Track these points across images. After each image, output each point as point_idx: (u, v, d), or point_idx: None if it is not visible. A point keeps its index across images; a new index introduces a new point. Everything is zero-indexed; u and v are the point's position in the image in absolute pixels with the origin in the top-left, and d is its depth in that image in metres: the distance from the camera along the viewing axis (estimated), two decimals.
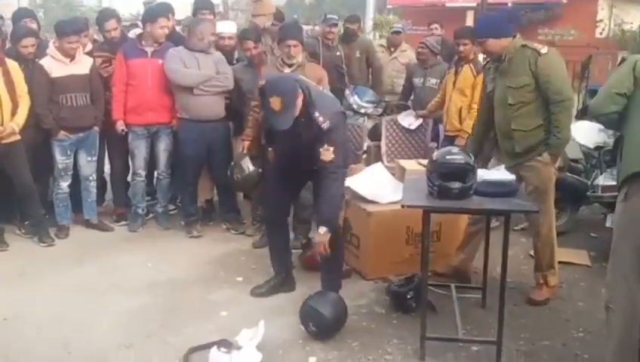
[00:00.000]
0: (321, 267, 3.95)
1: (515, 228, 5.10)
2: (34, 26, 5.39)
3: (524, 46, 3.81)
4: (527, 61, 3.76)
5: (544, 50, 3.78)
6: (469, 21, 17.40)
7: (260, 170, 4.86)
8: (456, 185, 3.22)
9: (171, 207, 5.78)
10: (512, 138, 3.89)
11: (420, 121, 5.90)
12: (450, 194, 3.23)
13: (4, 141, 4.66)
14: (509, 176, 3.49)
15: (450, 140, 5.32)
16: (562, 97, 3.73)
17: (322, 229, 3.53)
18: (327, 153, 3.47)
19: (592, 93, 5.15)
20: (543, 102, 3.78)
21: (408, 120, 5.92)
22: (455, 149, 3.40)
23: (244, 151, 4.91)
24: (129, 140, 5.24)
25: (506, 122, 3.92)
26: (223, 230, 5.41)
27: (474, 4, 16.31)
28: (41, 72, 4.83)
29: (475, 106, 5.19)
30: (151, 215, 5.63)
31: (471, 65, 5.34)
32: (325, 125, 3.46)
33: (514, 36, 3.87)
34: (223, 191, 5.48)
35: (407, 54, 7.11)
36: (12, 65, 4.72)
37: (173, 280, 4.36)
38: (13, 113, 4.69)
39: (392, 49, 7.20)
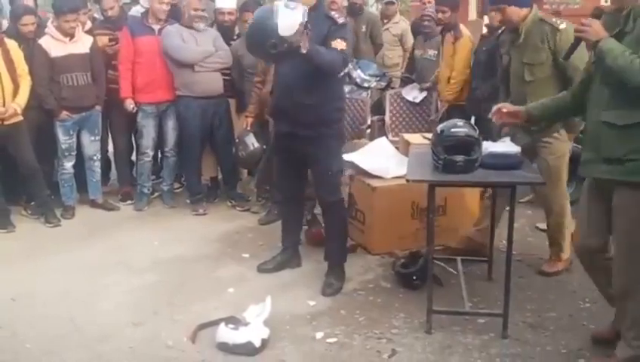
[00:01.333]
0: (326, 240, 3.97)
1: (521, 200, 5.08)
2: (30, 3, 5.35)
3: (541, 20, 3.73)
4: (545, 36, 3.68)
5: (562, 25, 3.69)
6: None
7: (264, 146, 4.86)
8: (461, 158, 3.19)
9: (176, 185, 5.78)
10: None
11: (425, 93, 5.86)
12: (455, 167, 3.19)
13: (6, 122, 4.66)
14: (514, 148, 3.46)
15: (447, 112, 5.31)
16: (580, 73, 3.59)
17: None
18: (339, 44, 3.48)
19: None
20: (560, 77, 3.71)
21: (413, 93, 5.88)
22: (460, 122, 3.35)
23: (248, 128, 4.90)
24: (138, 119, 5.22)
25: (522, 97, 3.81)
26: (229, 207, 5.42)
27: None
28: (40, 52, 4.80)
29: (453, 74, 5.23)
30: (156, 193, 5.65)
31: (451, 32, 5.31)
32: (341, 19, 3.56)
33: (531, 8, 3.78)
34: (227, 169, 5.47)
35: (400, 26, 7.03)
36: (11, 44, 4.69)
37: (180, 257, 4.37)
38: (15, 93, 4.68)
39: (385, 20, 7.11)
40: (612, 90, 2.69)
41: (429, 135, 4.48)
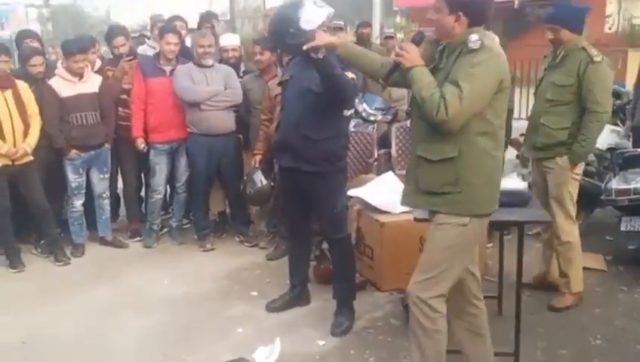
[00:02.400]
0: (334, 278, 3.96)
1: (529, 233, 5.07)
2: (36, 45, 5.46)
3: (582, 48, 3.80)
4: (579, 64, 3.76)
5: (598, 58, 3.76)
6: None
7: (272, 184, 4.88)
8: None
9: (185, 221, 5.80)
10: (538, 131, 3.94)
11: None
12: None
13: (17, 162, 4.71)
14: (521, 185, 3.47)
15: None
16: (600, 109, 3.74)
17: None
18: (349, 75, 3.49)
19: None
20: (578, 106, 3.79)
21: None
22: None
23: (257, 165, 4.94)
24: (150, 157, 5.27)
25: (537, 115, 3.97)
26: (237, 243, 5.43)
27: None
28: (50, 92, 4.87)
29: None
30: (165, 229, 5.67)
31: None
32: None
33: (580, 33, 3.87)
34: (234, 204, 5.50)
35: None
36: (22, 86, 4.77)
37: (189, 296, 4.38)
38: (25, 134, 4.74)
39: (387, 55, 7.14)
40: (426, 124, 2.67)
41: None
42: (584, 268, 4.52)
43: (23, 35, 5.78)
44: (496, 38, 2.85)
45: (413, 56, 2.69)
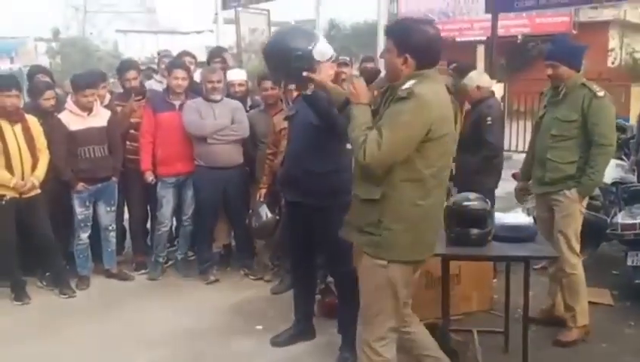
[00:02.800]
0: (340, 311, 3.95)
1: (535, 266, 5.04)
2: (47, 80, 5.56)
3: (582, 84, 3.88)
4: (582, 99, 3.83)
5: (601, 93, 3.84)
6: (480, 55, 17.57)
7: (278, 218, 4.89)
8: (475, 231, 3.22)
9: (190, 253, 5.81)
10: (545, 167, 3.98)
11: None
12: (468, 240, 3.23)
13: (25, 195, 4.75)
14: (527, 220, 3.49)
15: None
16: (606, 142, 3.80)
17: None
18: None
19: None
20: (584, 140, 3.85)
21: None
22: (472, 195, 3.40)
23: (262, 199, 4.96)
24: (157, 189, 5.32)
25: (543, 150, 4.01)
26: (241, 276, 5.42)
27: (484, 38, 16.48)
28: (59, 126, 4.94)
29: None
30: (170, 262, 5.67)
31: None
32: None
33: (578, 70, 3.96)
34: (240, 237, 5.51)
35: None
36: (32, 120, 4.83)
37: (194, 330, 4.36)
38: (34, 168, 4.79)
39: None
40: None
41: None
42: (590, 303, 4.51)
43: (35, 71, 5.90)
44: (441, 82, 2.86)
45: (359, 93, 2.78)
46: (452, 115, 2.82)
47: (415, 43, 2.66)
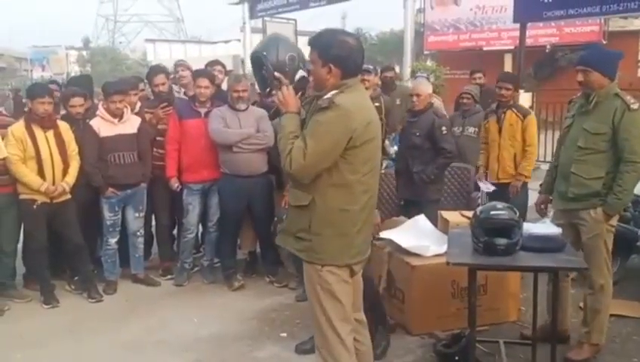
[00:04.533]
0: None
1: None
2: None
3: (616, 94, 3.66)
4: (614, 111, 3.60)
5: (635, 105, 3.60)
6: (507, 64, 17.43)
7: None
8: (502, 241, 3.19)
9: (216, 259, 5.83)
10: (569, 181, 3.77)
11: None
12: (496, 250, 3.20)
13: (55, 200, 4.83)
14: (555, 230, 3.44)
15: (501, 188, 5.31)
16: (637, 159, 3.56)
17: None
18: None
19: None
20: (613, 155, 3.63)
21: (486, 184, 5.73)
22: (500, 204, 3.37)
23: (286, 206, 4.96)
24: (183, 196, 5.37)
25: (568, 163, 3.79)
26: (266, 283, 5.43)
27: (511, 47, 16.36)
28: (90, 132, 5.03)
29: (530, 149, 5.28)
30: (196, 268, 5.71)
31: (514, 109, 5.34)
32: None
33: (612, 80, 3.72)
34: (265, 244, 5.53)
35: (434, 102, 7.06)
36: (63, 126, 4.93)
37: (219, 335, 4.38)
38: (65, 173, 4.87)
39: None
40: None
41: (468, 213, 4.49)
42: (620, 316, 4.43)
43: (76, 80, 6.16)
44: (363, 90, 2.93)
45: (288, 103, 2.86)
46: (377, 122, 2.85)
47: (337, 53, 2.75)
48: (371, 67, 6.75)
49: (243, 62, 18.14)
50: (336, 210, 2.75)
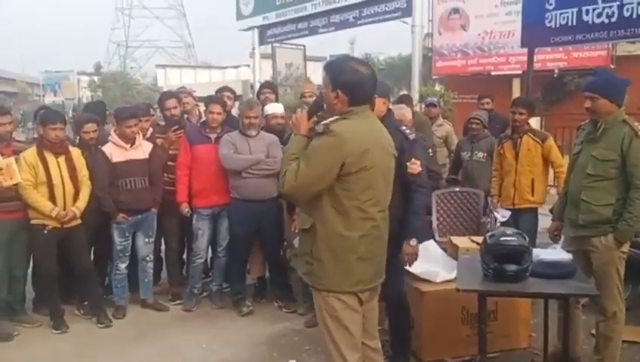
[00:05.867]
0: (391, 335, 3.96)
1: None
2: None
3: (624, 121, 3.66)
4: (622, 138, 3.60)
5: None
6: (515, 88, 17.46)
7: None
8: (512, 267, 3.18)
9: (225, 285, 5.83)
10: (578, 208, 3.75)
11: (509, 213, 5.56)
12: (506, 276, 3.19)
13: (66, 225, 4.86)
14: (565, 256, 3.43)
15: (515, 214, 5.30)
16: None
17: (413, 241, 3.61)
18: (414, 166, 3.60)
19: None
20: (623, 182, 3.61)
21: (502, 212, 5.58)
22: (509, 230, 3.37)
23: (296, 231, 4.97)
24: (193, 222, 5.39)
25: (577, 190, 3.78)
26: (275, 308, 5.42)
27: (519, 72, 16.40)
28: (102, 158, 5.08)
29: (561, 169, 5.21)
30: (205, 293, 5.70)
31: (530, 134, 5.34)
32: (412, 136, 3.68)
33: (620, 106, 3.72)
34: (274, 269, 5.53)
35: (445, 128, 7.10)
36: (75, 152, 4.98)
37: (228, 361, 4.36)
38: (75, 198, 4.91)
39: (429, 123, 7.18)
40: None
41: (477, 238, 4.48)
42: (631, 342, 4.37)
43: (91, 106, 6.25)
44: (370, 118, 2.89)
45: (300, 126, 2.93)
46: (380, 150, 2.83)
47: (346, 80, 2.77)
48: (435, 99, 6.85)
49: (252, 87, 18.33)
50: (334, 235, 2.77)
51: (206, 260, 5.71)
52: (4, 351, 4.58)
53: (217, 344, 4.67)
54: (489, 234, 3.42)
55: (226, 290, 5.79)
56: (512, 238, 3.26)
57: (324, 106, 2.90)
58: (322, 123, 2.76)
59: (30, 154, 4.79)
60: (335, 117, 2.78)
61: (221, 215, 5.38)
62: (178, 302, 5.57)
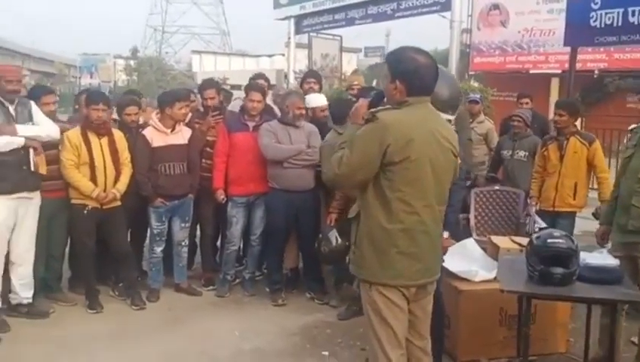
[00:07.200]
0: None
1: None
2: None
3: None
4: None
5: None
6: (554, 88, 17.17)
7: (347, 243, 4.86)
8: (559, 270, 3.10)
9: (257, 272, 5.84)
10: (629, 213, 3.69)
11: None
12: (552, 279, 3.12)
13: (105, 206, 4.90)
14: (613, 261, 3.34)
15: (553, 217, 5.18)
16: None
17: (445, 233, 3.50)
18: None
19: None
20: None
21: (540, 222, 5.60)
22: (557, 232, 3.29)
23: (332, 224, 4.95)
24: (228, 209, 5.38)
25: (628, 194, 3.72)
26: (307, 299, 5.40)
27: (558, 71, 16.10)
28: (143, 142, 5.10)
29: (604, 175, 5.15)
30: (237, 280, 5.71)
31: (577, 136, 5.23)
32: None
33: None
34: (308, 260, 5.51)
35: (485, 125, 6.98)
36: (118, 134, 5.01)
37: (260, 350, 4.37)
38: (116, 180, 4.94)
39: (470, 120, 7.06)
40: None
41: (518, 239, 4.40)
42: None
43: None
44: (425, 109, 2.77)
45: (357, 115, 2.92)
46: (430, 143, 2.72)
47: (404, 69, 2.72)
48: (478, 96, 6.76)
49: (286, 76, 18.33)
50: (375, 226, 2.73)
51: (239, 248, 5.72)
52: (40, 328, 4.64)
53: (250, 332, 4.67)
54: (535, 235, 3.35)
55: (259, 278, 5.81)
56: (560, 240, 3.18)
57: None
58: (370, 111, 2.72)
59: (74, 134, 4.83)
60: (387, 106, 2.73)
61: (256, 203, 5.37)
62: (211, 287, 5.59)
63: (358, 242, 2.79)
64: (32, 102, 4.71)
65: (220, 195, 5.34)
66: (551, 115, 9.44)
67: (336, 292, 5.39)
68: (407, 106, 2.71)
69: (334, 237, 4.92)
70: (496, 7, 17.53)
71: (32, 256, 4.75)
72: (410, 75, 2.70)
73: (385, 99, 2.85)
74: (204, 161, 5.47)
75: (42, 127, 4.61)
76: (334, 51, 17.41)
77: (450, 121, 3.08)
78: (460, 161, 3.34)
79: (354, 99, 5.32)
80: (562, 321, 4.36)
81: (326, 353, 4.32)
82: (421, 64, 2.72)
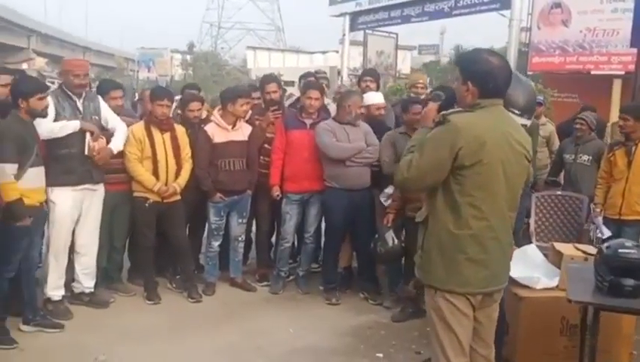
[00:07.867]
0: None
1: None
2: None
3: None
4: None
5: None
6: (616, 90, 16.59)
7: (404, 244, 4.82)
8: (630, 282, 2.99)
9: (314, 265, 5.84)
10: None
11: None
12: (622, 291, 3.00)
13: (166, 200, 4.99)
14: None
15: (620, 225, 5.03)
16: None
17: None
18: None
19: None
20: None
21: (603, 229, 5.26)
22: (629, 242, 3.17)
23: (389, 224, 4.91)
24: (282, 205, 5.41)
25: None
26: (361, 299, 5.38)
27: (622, 73, 15.56)
28: (204, 137, 5.16)
29: None
30: (291, 277, 5.73)
31: None
32: None
33: None
34: (363, 260, 5.48)
35: (548, 128, 6.80)
36: (180, 130, 5.10)
37: (314, 348, 4.37)
38: (177, 175, 5.03)
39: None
40: None
41: (582, 246, 4.26)
42: None
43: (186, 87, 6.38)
44: (497, 112, 2.70)
45: (426, 118, 2.95)
46: (506, 147, 2.64)
47: (475, 71, 2.67)
48: (541, 98, 6.65)
49: (339, 73, 18.31)
50: (444, 231, 2.68)
51: (293, 244, 5.74)
52: (100, 318, 4.77)
53: (304, 330, 4.68)
54: (605, 244, 3.23)
55: (316, 269, 5.80)
56: (632, 251, 3.06)
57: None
58: (442, 113, 2.67)
59: (138, 128, 4.94)
60: (459, 109, 2.68)
61: (310, 201, 5.37)
62: (265, 283, 5.63)
63: (426, 247, 2.75)
64: (100, 97, 4.84)
65: (276, 192, 5.37)
66: (612, 118, 9.15)
67: (390, 294, 5.35)
68: (479, 109, 2.65)
69: (391, 237, 4.89)
70: (557, 5, 17.04)
71: (95, 246, 4.89)
72: (483, 76, 2.64)
73: (456, 103, 2.79)
74: (261, 157, 5.51)
75: (119, 132, 4.81)
76: (389, 49, 17.29)
77: (525, 126, 2.99)
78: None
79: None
80: (627, 333, 4.21)
81: (380, 354, 4.30)
82: (494, 66, 2.65)
